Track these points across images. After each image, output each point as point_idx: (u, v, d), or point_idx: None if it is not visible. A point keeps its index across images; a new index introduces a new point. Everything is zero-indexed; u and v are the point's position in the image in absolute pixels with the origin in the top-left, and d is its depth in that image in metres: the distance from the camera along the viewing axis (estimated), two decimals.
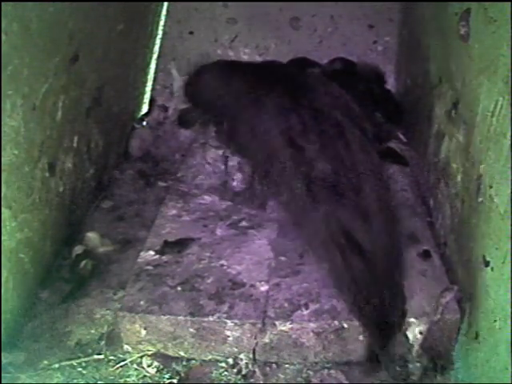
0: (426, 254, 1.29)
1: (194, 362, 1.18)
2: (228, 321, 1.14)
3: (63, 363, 1.16)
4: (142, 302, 1.18)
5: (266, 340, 1.15)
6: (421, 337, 1.13)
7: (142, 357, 1.18)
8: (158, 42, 2.06)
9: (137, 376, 1.14)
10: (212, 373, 1.16)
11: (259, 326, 1.14)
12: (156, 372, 1.15)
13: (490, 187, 1.04)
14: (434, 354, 1.15)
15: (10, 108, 1.10)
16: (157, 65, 2.09)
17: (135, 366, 1.16)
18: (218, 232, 1.41)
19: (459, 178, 1.23)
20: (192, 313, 1.16)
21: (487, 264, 1.03)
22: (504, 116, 0.99)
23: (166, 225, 1.43)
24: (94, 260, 1.41)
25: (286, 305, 1.17)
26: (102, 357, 1.18)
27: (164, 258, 1.32)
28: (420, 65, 1.63)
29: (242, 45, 2.06)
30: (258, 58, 2.06)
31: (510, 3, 0.96)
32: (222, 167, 1.65)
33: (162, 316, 1.16)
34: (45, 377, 1.14)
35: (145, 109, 2.09)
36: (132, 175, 1.80)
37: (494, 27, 1.04)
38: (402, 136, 1.79)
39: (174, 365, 1.17)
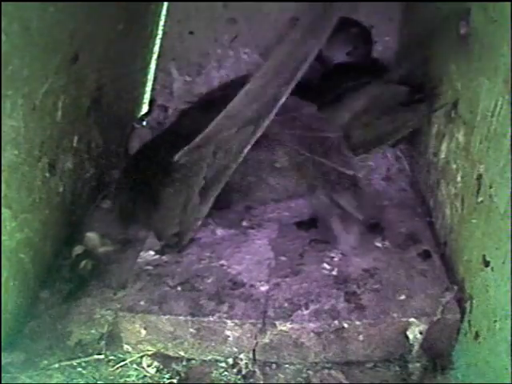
0: (426, 254, 1.29)
1: (193, 362, 1.18)
2: (228, 321, 1.14)
3: (63, 363, 1.16)
4: (142, 302, 1.18)
5: (266, 340, 1.15)
6: (421, 337, 1.13)
7: (142, 357, 1.18)
8: (157, 42, 2.06)
9: (137, 376, 1.14)
10: (212, 373, 1.16)
11: (259, 325, 1.14)
12: (156, 372, 1.15)
13: (490, 187, 1.04)
14: (433, 354, 1.15)
15: (10, 108, 1.10)
16: (157, 65, 2.09)
17: (135, 366, 1.16)
18: (218, 232, 1.41)
19: (459, 178, 1.23)
20: (192, 313, 1.16)
21: (487, 264, 1.03)
22: (504, 116, 0.99)
23: None
24: (94, 260, 1.41)
25: (286, 305, 1.17)
26: (102, 357, 1.18)
27: (164, 258, 1.32)
28: (420, 65, 1.63)
29: (241, 45, 2.05)
30: (258, 58, 2.06)
31: (509, 3, 0.96)
32: None
33: (162, 316, 1.16)
34: (45, 377, 1.14)
35: (145, 109, 2.09)
36: None
37: (493, 27, 1.04)
38: None
39: (173, 365, 1.17)
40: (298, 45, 1.32)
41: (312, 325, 1.13)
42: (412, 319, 1.12)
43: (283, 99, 1.21)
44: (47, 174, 1.32)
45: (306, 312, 1.15)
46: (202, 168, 1.21)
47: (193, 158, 1.23)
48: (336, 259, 1.29)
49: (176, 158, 1.27)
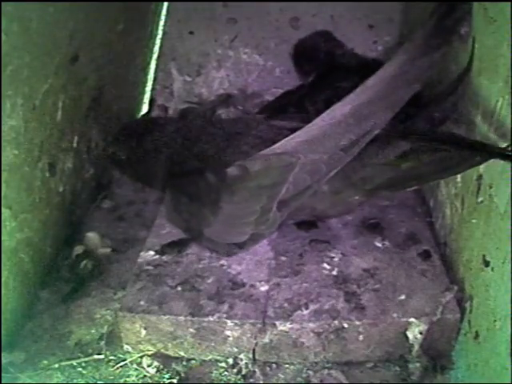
0: (426, 254, 1.29)
1: (193, 362, 1.18)
2: (228, 321, 1.14)
3: (63, 363, 1.16)
4: (142, 302, 1.18)
5: (266, 340, 1.15)
6: (421, 337, 1.13)
7: (142, 357, 1.18)
8: (158, 41, 2.06)
9: (137, 376, 1.14)
10: (212, 373, 1.16)
11: (259, 325, 1.14)
12: (156, 372, 1.15)
13: (490, 187, 1.04)
14: (434, 353, 1.15)
15: (10, 108, 1.10)
16: (157, 65, 2.09)
17: (135, 366, 1.16)
18: None
19: (459, 178, 1.23)
20: (192, 313, 1.16)
21: (487, 264, 1.03)
22: (504, 116, 0.99)
23: (165, 225, 1.43)
24: (94, 260, 1.41)
25: (285, 305, 1.17)
26: (102, 357, 1.18)
27: (164, 258, 1.32)
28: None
29: (242, 45, 2.05)
30: (258, 58, 2.07)
31: (510, 3, 0.96)
32: None
33: (162, 316, 1.16)
34: (45, 377, 1.14)
35: (145, 109, 2.09)
36: None
37: (494, 27, 1.04)
38: None
39: (174, 365, 1.17)
40: (405, 66, 1.13)
41: (312, 325, 1.13)
42: (412, 319, 1.12)
43: (378, 130, 1.10)
44: (47, 174, 1.32)
45: (305, 312, 1.15)
46: (286, 177, 1.12)
47: (272, 167, 1.14)
48: (336, 259, 1.30)
49: (233, 168, 1.14)
